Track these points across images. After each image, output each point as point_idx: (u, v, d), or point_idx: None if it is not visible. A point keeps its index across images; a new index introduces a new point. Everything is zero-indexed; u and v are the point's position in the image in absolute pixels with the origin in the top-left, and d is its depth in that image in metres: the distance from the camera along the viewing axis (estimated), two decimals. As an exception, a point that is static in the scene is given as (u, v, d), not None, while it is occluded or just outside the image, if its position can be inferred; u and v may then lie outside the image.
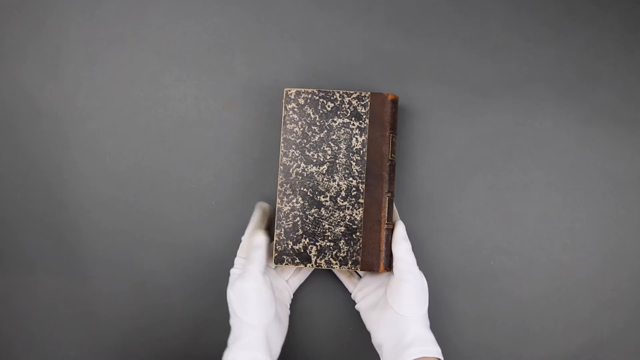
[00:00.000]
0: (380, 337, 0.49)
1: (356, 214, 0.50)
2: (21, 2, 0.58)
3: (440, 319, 0.56)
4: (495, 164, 0.57)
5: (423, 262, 0.55)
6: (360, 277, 0.55)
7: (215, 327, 0.57)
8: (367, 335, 0.52)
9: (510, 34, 0.57)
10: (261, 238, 0.48)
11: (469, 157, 0.57)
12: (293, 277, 0.55)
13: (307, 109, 0.51)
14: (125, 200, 0.58)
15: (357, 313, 0.54)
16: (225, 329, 0.49)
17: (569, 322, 0.57)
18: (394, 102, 0.52)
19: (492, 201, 0.57)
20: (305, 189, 0.51)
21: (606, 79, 0.57)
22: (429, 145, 0.57)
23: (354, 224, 0.50)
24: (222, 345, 0.48)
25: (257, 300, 0.47)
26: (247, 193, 0.57)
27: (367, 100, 0.51)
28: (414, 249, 0.51)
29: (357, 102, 0.51)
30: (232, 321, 0.48)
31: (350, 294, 0.55)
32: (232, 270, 0.50)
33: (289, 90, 0.52)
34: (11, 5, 0.58)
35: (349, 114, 0.51)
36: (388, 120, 0.51)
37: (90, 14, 0.58)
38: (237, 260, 0.50)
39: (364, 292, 0.53)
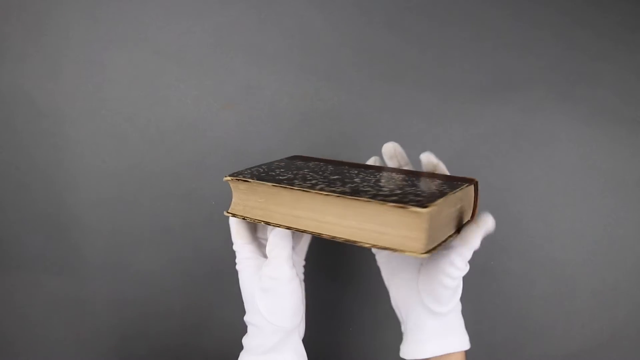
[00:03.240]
0: (400, 304, 0.45)
1: None
2: (21, 2, 0.58)
3: (440, 319, 0.56)
4: (495, 164, 0.57)
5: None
6: None
7: (214, 327, 0.57)
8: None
9: (510, 34, 0.57)
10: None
11: (469, 157, 0.57)
12: (296, 246, 0.48)
13: None
14: (125, 200, 0.58)
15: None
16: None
17: (569, 322, 0.57)
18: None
19: (492, 201, 0.57)
20: None
21: (606, 79, 0.57)
22: (429, 145, 0.57)
23: None
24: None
25: (292, 301, 0.42)
26: (247, 193, 0.57)
27: None
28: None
29: None
30: (255, 320, 0.42)
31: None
32: (242, 265, 0.43)
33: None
34: (11, 5, 0.58)
35: None
36: None
37: (90, 14, 0.58)
38: (241, 250, 0.43)
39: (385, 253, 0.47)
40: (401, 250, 0.35)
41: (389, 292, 0.46)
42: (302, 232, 0.39)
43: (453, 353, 0.43)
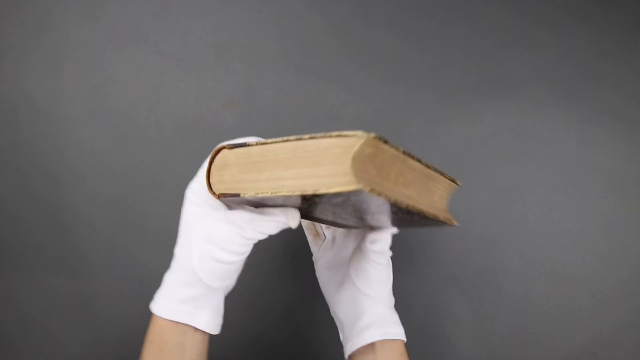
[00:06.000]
0: (339, 312, 0.45)
1: None
2: (21, 2, 0.58)
3: (440, 319, 0.55)
4: (495, 164, 0.57)
5: (423, 262, 0.55)
6: (325, 238, 0.49)
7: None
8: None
9: (510, 34, 0.57)
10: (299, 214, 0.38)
11: (469, 157, 0.57)
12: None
13: None
14: (125, 200, 0.58)
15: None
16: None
17: (569, 322, 0.57)
18: None
19: (492, 201, 0.57)
20: None
21: (606, 79, 0.57)
22: (429, 145, 0.57)
23: None
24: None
25: (234, 268, 0.40)
26: (247, 193, 0.57)
27: None
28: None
29: None
30: (183, 262, 0.41)
31: (312, 255, 0.50)
32: (196, 197, 0.40)
33: None
34: (11, 5, 0.58)
35: None
36: None
37: (91, 14, 0.58)
38: (204, 192, 0.39)
39: (326, 258, 0.48)
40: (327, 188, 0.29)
41: (330, 298, 0.46)
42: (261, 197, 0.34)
43: (394, 341, 0.43)
